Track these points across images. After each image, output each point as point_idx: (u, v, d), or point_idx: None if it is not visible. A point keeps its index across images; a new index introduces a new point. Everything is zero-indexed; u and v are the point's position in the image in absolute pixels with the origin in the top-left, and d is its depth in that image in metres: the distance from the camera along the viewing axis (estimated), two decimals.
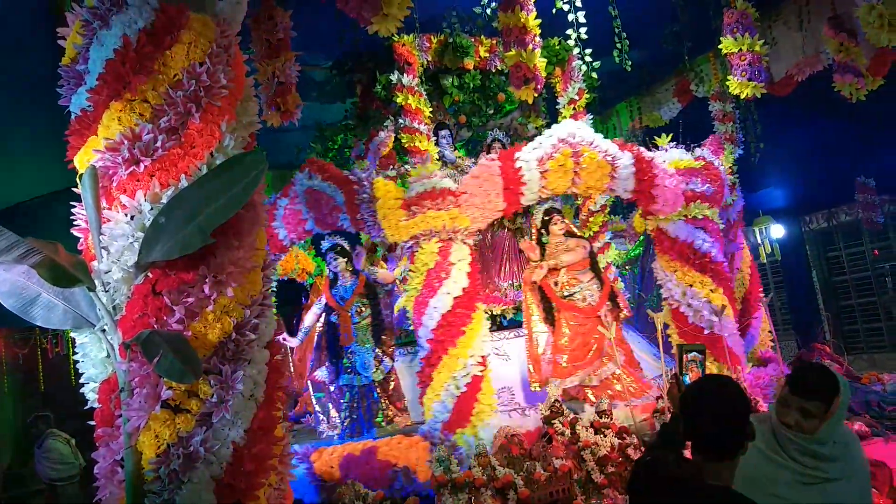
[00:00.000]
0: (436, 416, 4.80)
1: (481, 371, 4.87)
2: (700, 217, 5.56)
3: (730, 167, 6.67)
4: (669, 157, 5.72)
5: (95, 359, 2.50)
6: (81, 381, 2.54)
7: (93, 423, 2.48)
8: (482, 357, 4.92)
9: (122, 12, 2.51)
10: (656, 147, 5.92)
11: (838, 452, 2.29)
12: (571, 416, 4.70)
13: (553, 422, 4.65)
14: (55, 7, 4.46)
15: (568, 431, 4.52)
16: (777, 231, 10.66)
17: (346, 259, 5.81)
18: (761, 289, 6.95)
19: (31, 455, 7.88)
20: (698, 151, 5.87)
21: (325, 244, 5.90)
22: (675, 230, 5.57)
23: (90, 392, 2.53)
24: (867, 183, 10.08)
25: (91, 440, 2.45)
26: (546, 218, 5.89)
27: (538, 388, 5.51)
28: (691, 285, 5.45)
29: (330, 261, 5.84)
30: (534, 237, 6.12)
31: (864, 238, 11.25)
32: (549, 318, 5.71)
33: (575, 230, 6.03)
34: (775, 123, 8.11)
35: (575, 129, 5.22)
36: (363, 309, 5.78)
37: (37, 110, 5.23)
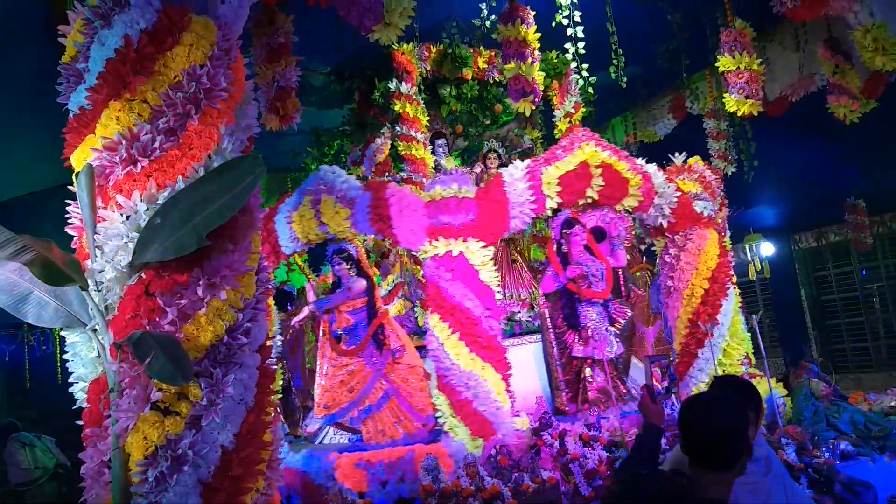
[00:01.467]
0: None
1: None
2: (442, 254, 4.94)
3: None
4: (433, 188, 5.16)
5: (85, 358, 2.49)
6: (70, 380, 2.53)
7: (80, 422, 2.46)
8: None
9: (125, 12, 2.52)
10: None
11: (758, 451, 2.45)
12: (561, 427, 4.71)
13: (542, 433, 4.65)
14: (54, 4, 4.46)
15: (556, 443, 4.52)
16: (767, 249, 10.74)
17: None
18: (720, 307, 5.41)
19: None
20: (514, 167, 5.18)
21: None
22: (424, 269, 5.16)
23: (79, 392, 2.51)
24: (857, 204, 10.18)
25: (78, 440, 2.44)
26: (332, 258, 5.83)
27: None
28: (433, 327, 4.96)
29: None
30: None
31: (852, 258, 11.34)
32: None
33: (366, 269, 5.85)
34: (767, 142, 8.18)
35: (323, 175, 5.17)
36: None
37: (34, 106, 5.22)
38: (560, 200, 5.13)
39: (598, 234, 6.03)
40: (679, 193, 5.47)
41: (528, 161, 5.24)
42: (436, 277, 4.95)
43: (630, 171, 5.24)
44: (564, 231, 5.86)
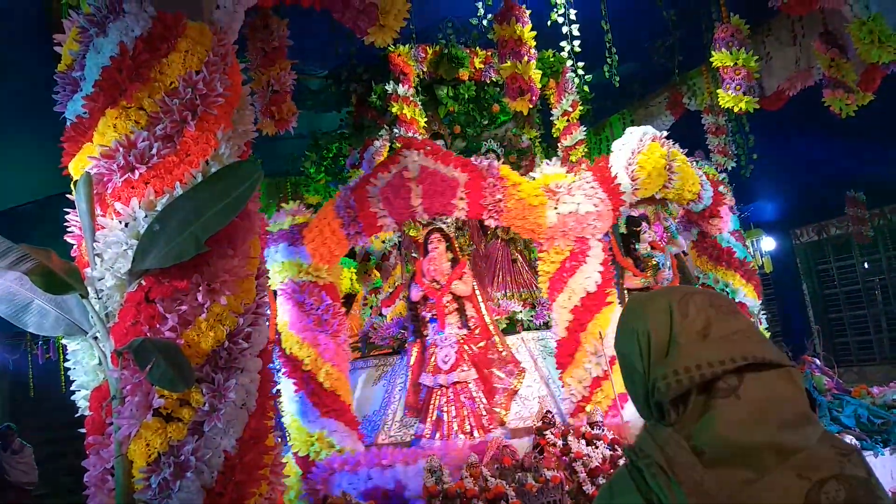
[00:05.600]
0: None
1: None
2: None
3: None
4: None
5: (87, 366, 2.49)
6: (72, 388, 2.53)
7: (83, 430, 2.47)
8: None
9: (119, 20, 2.52)
10: None
11: None
12: (563, 426, 4.71)
13: (545, 433, 4.64)
14: (51, 13, 4.46)
15: (560, 442, 4.51)
16: (768, 244, 10.73)
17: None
18: None
19: None
20: None
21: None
22: None
23: (81, 399, 2.51)
24: (857, 197, 10.17)
25: (81, 448, 2.44)
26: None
27: None
28: None
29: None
30: None
31: (853, 251, 11.33)
32: None
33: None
34: (767, 137, 8.17)
35: None
36: None
37: (31, 115, 5.22)
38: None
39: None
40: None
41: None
42: None
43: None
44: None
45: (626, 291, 6.03)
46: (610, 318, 4.96)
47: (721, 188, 6.05)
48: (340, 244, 5.12)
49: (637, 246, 5.98)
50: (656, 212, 6.37)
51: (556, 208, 4.98)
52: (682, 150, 5.50)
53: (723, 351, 0.97)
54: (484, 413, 5.17)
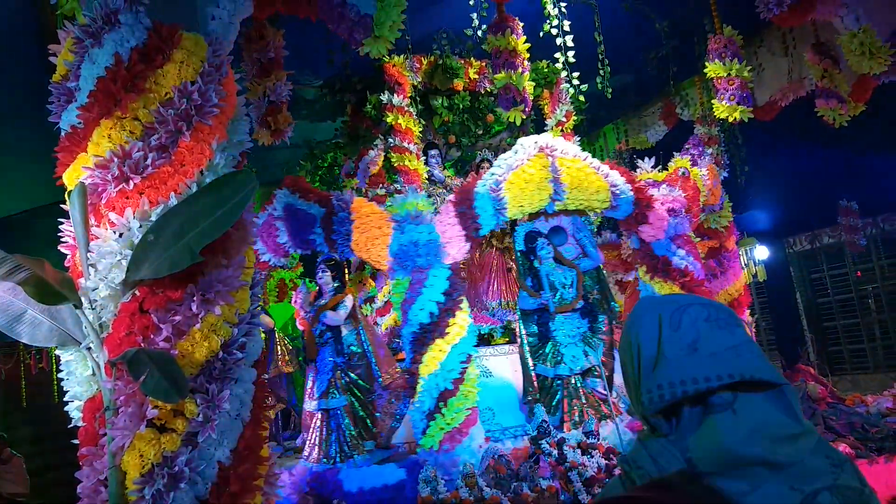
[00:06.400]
0: None
1: None
2: None
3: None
4: None
5: (81, 377, 2.48)
6: (66, 398, 2.51)
7: (76, 441, 2.45)
8: None
9: (115, 31, 2.53)
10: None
11: None
12: (559, 436, 4.70)
13: (540, 442, 4.64)
14: (45, 22, 4.47)
15: (555, 452, 4.51)
16: (761, 252, 10.77)
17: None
18: None
19: None
20: None
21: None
22: None
23: (75, 410, 2.50)
24: (850, 206, 10.21)
25: (74, 459, 2.43)
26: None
27: None
28: None
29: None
30: None
31: (847, 260, 11.38)
32: None
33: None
34: (759, 147, 8.23)
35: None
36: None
37: (24, 124, 5.23)
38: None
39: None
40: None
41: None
42: None
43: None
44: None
45: (521, 313, 5.96)
46: (445, 351, 4.80)
47: (658, 190, 5.58)
48: None
49: (536, 263, 5.90)
50: (574, 223, 6.25)
51: (399, 238, 4.95)
52: (584, 155, 5.26)
53: (709, 367, 0.97)
54: (348, 440, 5.34)
